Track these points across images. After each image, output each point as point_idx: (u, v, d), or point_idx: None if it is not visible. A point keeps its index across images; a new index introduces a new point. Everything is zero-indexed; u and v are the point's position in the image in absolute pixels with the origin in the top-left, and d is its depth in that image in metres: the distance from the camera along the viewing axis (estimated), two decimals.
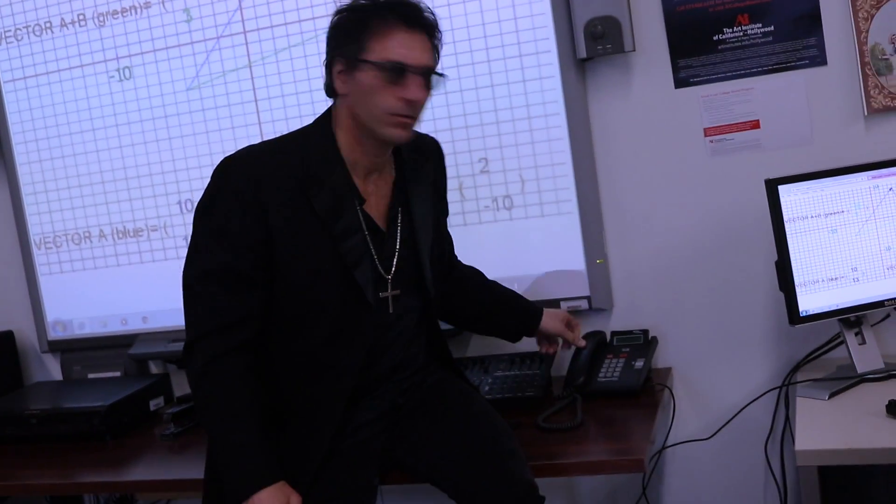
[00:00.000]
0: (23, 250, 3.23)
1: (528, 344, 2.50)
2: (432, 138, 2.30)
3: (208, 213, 1.99)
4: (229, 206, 1.95)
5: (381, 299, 2.07)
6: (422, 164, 2.18)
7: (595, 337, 2.55)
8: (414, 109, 2.00)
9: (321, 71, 2.08)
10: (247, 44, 2.88)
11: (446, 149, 2.66)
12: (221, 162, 2.00)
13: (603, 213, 2.67)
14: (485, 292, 2.41)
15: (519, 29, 2.64)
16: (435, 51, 2.02)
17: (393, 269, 2.08)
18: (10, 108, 3.18)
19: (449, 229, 2.37)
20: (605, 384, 2.45)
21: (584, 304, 2.67)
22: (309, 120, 2.09)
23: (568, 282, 2.68)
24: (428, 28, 2.00)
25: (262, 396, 2.00)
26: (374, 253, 2.05)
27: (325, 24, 2.70)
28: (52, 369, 3.28)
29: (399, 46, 1.95)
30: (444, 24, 2.64)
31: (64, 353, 3.22)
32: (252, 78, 2.89)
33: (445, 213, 2.33)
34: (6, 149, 3.19)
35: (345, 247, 1.99)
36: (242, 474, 1.91)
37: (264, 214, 1.94)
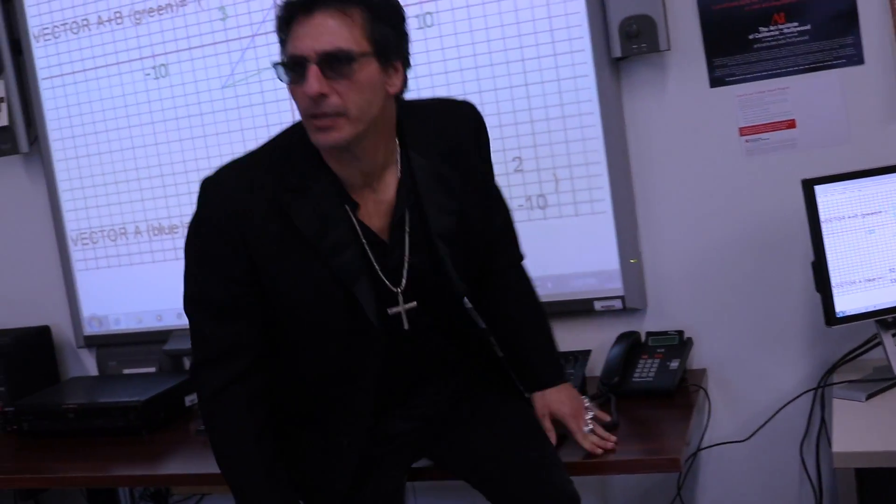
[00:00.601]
0: (59, 246, 3.26)
1: (563, 343, 2.49)
2: (463, 105, 2.03)
3: (193, 237, 1.91)
4: (208, 236, 1.87)
5: (392, 315, 1.92)
6: (442, 150, 1.92)
7: (629, 337, 2.55)
8: (319, 106, 1.72)
9: None
10: None
11: None
12: (202, 184, 1.89)
13: (637, 212, 2.67)
14: (509, 327, 2.15)
15: (553, 28, 2.63)
16: (360, 27, 1.72)
17: (404, 280, 1.92)
18: (47, 105, 3.20)
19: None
20: (639, 384, 2.45)
21: (617, 304, 2.67)
22: None
23: (601, 281, 2.68)
24: (334, 3, 1.71)
25: (275, 412, 1.95)
26: (376, 266, 1.89)
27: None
28: (88, 364, 3.31)
29: (295, 38, 1.73)
30: (477, 24, 2.69)
31: (100, 349, 3.25)
32: None
33: (488, 191, 2.06)
34: (43, 145, 3.22)
35: (337, 263, 1.83)
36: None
37: (245, 245, 1.83)
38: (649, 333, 2.61)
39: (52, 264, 3.29)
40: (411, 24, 2.68)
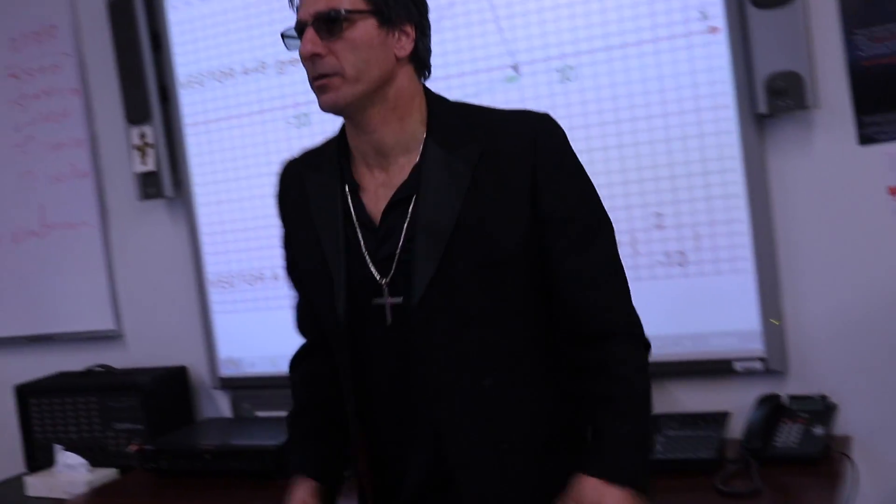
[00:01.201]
0: (199, 288, 3.34)
1: (701, 404, 2.44)
2: (530, 115, 1.78)
3: None
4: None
5: (375, 307, 1.75)
6: (471, 148, 1.71)
7: (771, 400, 2.48)
8: (315, 67, 1.68)
9: None
10: None
11: (618, 203, 2.65)
12: None
13: (780, 272, 2.60)
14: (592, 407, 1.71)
15: (697, 83, 2.60)
16: None
17: (392, 271, 1.73)
18: (191, 151, 3.30)
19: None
20: (783, 450, 2.37)
21: (758, 366, 2.60)
22: None
23: (742, 342, 2.61)
24: None
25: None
26: (364, 251, 1.75)
27: (500, 75, 2.78)
28: (222, 405, 3.37)
29: (299, 6, 1.72)
30: (619, 77, 2.67)
31: (234, 391, 3.31)
32: None
33: (541, 217, 1.72)
34: (187, 190, 3.32)
35: (324, 241, 1.79)
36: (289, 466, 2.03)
37: (283, 218, 1.92)
38: (792, 397, 2.53)
39: (192, 306, 3.37)
40: (552, 77, 2.73)
